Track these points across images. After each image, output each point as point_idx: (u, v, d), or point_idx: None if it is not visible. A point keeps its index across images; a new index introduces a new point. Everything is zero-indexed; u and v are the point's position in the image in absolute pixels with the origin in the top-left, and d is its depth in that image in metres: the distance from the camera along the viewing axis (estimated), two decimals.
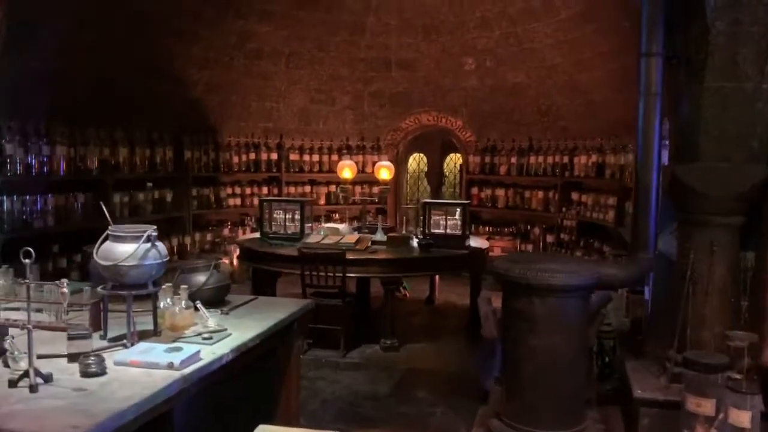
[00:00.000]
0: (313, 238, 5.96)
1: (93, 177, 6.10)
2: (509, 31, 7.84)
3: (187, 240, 7.41)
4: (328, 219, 8.29)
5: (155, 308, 2.57)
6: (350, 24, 8.30)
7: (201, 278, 2.99)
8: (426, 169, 10.03)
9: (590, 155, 7.35)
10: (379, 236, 6.00)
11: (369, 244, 5.76)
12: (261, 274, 5.95)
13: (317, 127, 8.99)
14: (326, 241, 5.84)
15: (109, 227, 2.46)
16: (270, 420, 2.92)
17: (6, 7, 4.70)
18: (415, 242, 5.82)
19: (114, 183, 6.31)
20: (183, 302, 2.68)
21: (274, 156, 8.73)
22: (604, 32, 6.68)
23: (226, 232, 8.17)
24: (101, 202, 2.83)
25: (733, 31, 3.15)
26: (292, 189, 8.84)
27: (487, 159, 8.68)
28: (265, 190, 8.66)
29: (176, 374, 2.13)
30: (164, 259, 2.47)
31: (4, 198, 5.21)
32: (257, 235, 6.86)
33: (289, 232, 6.19)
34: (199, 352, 2.29)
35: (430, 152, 9.89)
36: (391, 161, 7.93)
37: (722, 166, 3.25)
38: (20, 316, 2.81)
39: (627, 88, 6.66)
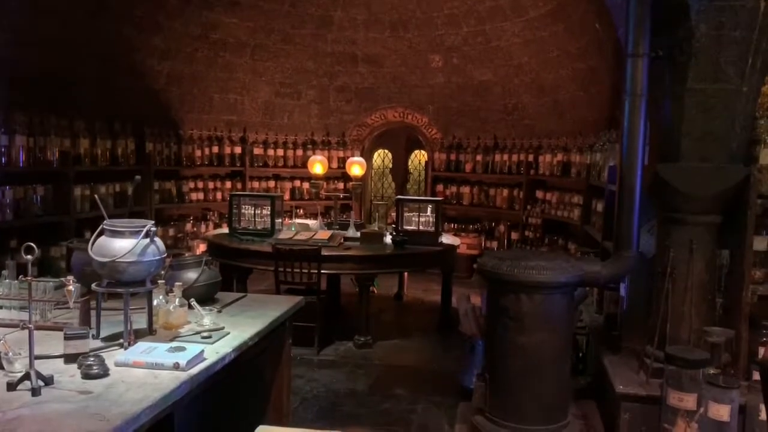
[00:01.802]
0: (284, 234, 5.89)
1: (53, 169, 5.85)
2: (477, 29, 7.90)
3: None
4: (294, 215, 8.20)
5: (150, 306, 2.47)
6: (317, 17, 8.22)
7: (191, 275, 2.89)
8: (391, 165, 10.03)
9: (555, 154, 7.48)
10: (352, 232, 5.96)
11: (342, 240, 5.72)
12: (230, 271, 5.82)
13: (282, 121, 8.87)
14: (299, 237, 5.77)
15: (105, 221, 2.35)
16: (262, 418, 2.86)
17: None
18: (388, 239, 5.80)
19: (75, 175, 6.06)
20: (177, 300, 2.59)
21: (238, 150, 8.57)
22: (572, 32, 6.81)
23: (188, 227, 7.97)
24: (96, 196, 2.70)
25: (716, 35, 3.25)
26: (255, 184, 8.70)
27: (453, 156, 8.74)
28: (228, 184, 8.49)
29: (183, 375, 2.05)
30: (163, 256, 2.38)
31: None
32: (222, 230, 6.73)
33: (259, 227, 6.08)
34: (203, 351, 2.21)
35: (395, 149, 9.89)
36: (347, 157, 7.90)
37: (704, 166, 3.35)
38: (3, 314, 2.67)
39: (593, 87, 6.85)
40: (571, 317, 3.60)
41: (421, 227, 5.85)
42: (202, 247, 7.42)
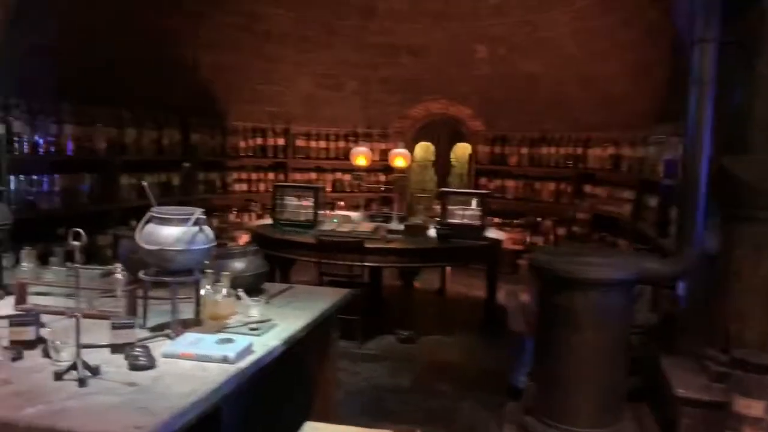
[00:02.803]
0: (327, 226, 5.82)
1: (100, 158, 5.91)
2: (524, 18, 7.69)
3: None
4: (335, 207, 8.14)
5: (198, 296, 2.42)
6: (360, 8, 8.12)
7: (238, 264, 2.84)
8: (433, 158, 9.89)
9: (605, 147, 7.24)
10: (395, 225, 5.87)
11: (385, 233, 5.63)
12: (273, 261, 5.79)
13: (324, 113, 8.80)
14: (341, 229, 5.71)
15: (153, 208, 2.30)
16: (308, 413, 2.79)
17: None
18: (432, 232, 5.69)
19: (121, 165, 6.12)
20: (224, 290, 2.53)
21: (281, 141, 8.55)
22: (624, 22, 6.56)
23: (232, 217, 7.99)
24: (144, 183, 2.65)
25: None
26: (298, 175, 8.66)
27: (497, 149, 8.56)
28: (271, 175, 8.48)
29: (232, 368, 1.98)
30: (211, 244, 2.32)
31: (11, 177, 5.00)
32: (265, 221, 6.71)
33: (302, 219, 6.03)
34: (251, 344, 2.14)
35: (437, 141, 9.74)
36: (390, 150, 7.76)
37: None
38: (49, 301, 2.66)
39: (645, 79, 6.59)
40: (628, 316, 3.44)
41: (465, 221, 5.71)
42: (245, 238, 7.42)
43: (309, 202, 6.18)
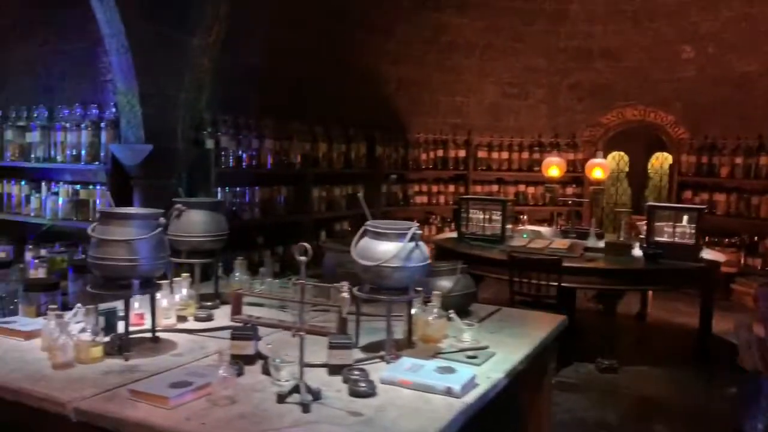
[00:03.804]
0: (517, 241, 5.50)
1: (295, 171, 6.12)
2: (741, 12, 6.81)
3: None
4: (518, 221, 7.77)
5: (410, 316, 2.26)
6: (551, 12, 7.74)
7: (445, 283, 2.64)
8: (627, 169, 9.13)
9: None
10: (593, 242, 5.39)
11: (582, 251, 5.18)
12: None
13: (508, 123, 8.49)
14: (533, 245, 5.35)
15: (367, 222, 2.17)
16: None
17: (226, 6, 4.81)
18: (636, 251, 5.13)
19: (313, 177, 6.30)
20: (436, 310, 2.35)
21: (462, 153, 8.37)
22: None
23: None
24: (359, 195, 2.57)
25: None
26: (478, 188, 8.42)
27: (704, 159, 7.64)
28: (451, 188, 8.34)
29: (458, 403, 1.77)
30: (426, 262, 2.14)
31: (218, 189, 5.31)
32: (446, 234, 6.54)
33: (488, 233, 5.77)
34: (474, 376, 1.92)
35: (632, 150, 8.98)
36: (581, 159, 7.25)
37: None
38: (260, 313, 2.65)
39: None
40: None
41: (676, 239, 5.08)
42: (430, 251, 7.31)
43: (496, 216, 5.92)
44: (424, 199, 8.23)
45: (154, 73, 4.65)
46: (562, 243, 5.33)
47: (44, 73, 5.38)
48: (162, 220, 2.14)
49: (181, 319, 2.52)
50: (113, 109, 5.04)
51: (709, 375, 4.79)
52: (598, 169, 5.68)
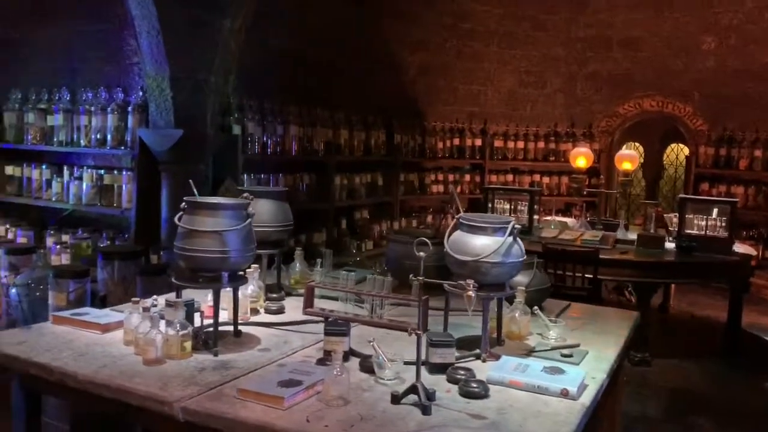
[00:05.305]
0: (546, 233, 5.45)
1: (318, 158, 6.02)
2: (766, 3, 6.77)
3: (395, 226, 7.20)
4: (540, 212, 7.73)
5: (500, 313, 2.19)
6: (571, 0, 7.64)
7: (521, 278, 2.57)
8: (642, 160, 9.09)
9: None
10: (622, 234, 5.35)
11: (614, 243, 5.14)
12: None
13: (524, 112, 8.42)
14: (564, 236, 5.31)
15: (461, 215, 2.10)
16: None
17: None
18: (668, 243, 5.10)
19: (336, 165, 6.21)
20: (520, 306, 2.29)
21: (478, 142, 8.29)
22: None
23: (429, 219, 7.88)
24: (452, 187, 2.50)
25: None
26: (494, 177, 8.35)
27: (723, 151, 7.63)
28: (467, 177, 8.25)
29: (577, 405, 1.71)
30: (523, 258, 2.08)
31: (245, 176, 5.21)
32: None
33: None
34: (585, 376, 1.86)
35: (648, 142, 8.93)
36: (594, 150, 7.19)
37: None
38: (324, 305, 2.58)
39: None
40: None
41: (708, 232, 5.05)
42: None
43: (521, 206, 5.88)
44: (440, 188, 8.15)
45: (185, 56, 4.52)
46: (593, 234, 5.28)
47: (66, 56, 5.23)
48: (251, 210, 2.05)
49: (253, 311, 2.44)
50: (140, 93, 4.91)
51: (744, 369, 4.78)
52: (627, 162, 5.62)
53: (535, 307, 2.34)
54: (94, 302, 4.08)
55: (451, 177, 8.24)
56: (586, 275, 4.72)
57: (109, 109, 4.87)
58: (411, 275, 1.79)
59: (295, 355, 2.04)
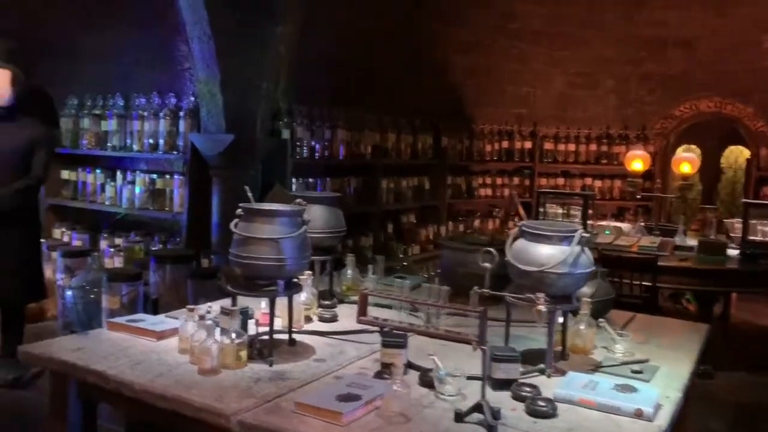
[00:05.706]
0: (601, 239, 5.28)
1: (365, 162, 5.98)
2: None
3: (442, 230, 7.11)
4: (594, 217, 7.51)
5: (565, 327, 2.09)
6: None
7: (585, 289, 2.45)
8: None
9: None
10: (681, 240, 5.15)
11: (673, 249, 4.95)
12: None
13: (575, 114, 8.20)
14: (619, 242, 5.13)
15: (523, 223, 2.01)
16: None
17: None
18: (731, 250, 4.88)
19: (383, 168, 6.16)
20: (585, 319, 2.18)
21: (528, 145, 8.11)
22: None
23: (476, 223, 7.76)
24: (513, 192, 2.40)
25: None
26: (543, 180, 8.16)
27: None
28: (515, 180, 8.09)
29: (652, 427, 1.60)
30: (592, 269, 1.97)
31: (293, 180, 5.21)
32: (512, 229, 6.33)
33: None
34: (658, 394, 1.75)
35: (705, 144, 8.61)
36: (651, 152, 6.93)
37: None
38: (377, 313, 2.52)
39: None
40: None
41: None
42: None
43: (574, 211, 5.73)
44: (488, 191, 8.01)
45: (237, 61, 4.55)
46: (650, 240, 5.10)
47: (119, 62, 5.32)
48: (306, 217, 2.01)
49: (307, 319, 2.40)
50: (192, 98, 4.96)
51: None
52: (686, 164, 5.41)
53: (601, 320, 2.23)
54: (146, 305, 4.13)
55: (499, 180, 8.10)
56: (643, 283, 4.56)
57: (161, 114, 4.94)
58: (475, 287, 1.70)
59: (350, 366, 1.99)
